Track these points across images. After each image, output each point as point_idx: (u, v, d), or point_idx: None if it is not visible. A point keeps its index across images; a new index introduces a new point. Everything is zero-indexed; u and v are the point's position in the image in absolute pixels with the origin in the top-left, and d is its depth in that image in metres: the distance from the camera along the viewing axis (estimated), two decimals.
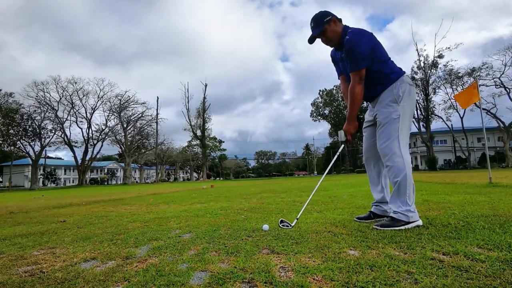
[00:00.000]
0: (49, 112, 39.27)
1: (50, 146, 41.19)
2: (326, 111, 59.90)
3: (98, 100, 42.15)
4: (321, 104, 60.27)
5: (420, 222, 2.07)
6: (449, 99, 36.96)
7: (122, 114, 44.04)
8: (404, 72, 2.24)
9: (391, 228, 1.98)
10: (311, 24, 2.22)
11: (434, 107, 38.18)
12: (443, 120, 38.30)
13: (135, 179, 69.07)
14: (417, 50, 36.89)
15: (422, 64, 36.81)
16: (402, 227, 1.98)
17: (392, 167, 2.09)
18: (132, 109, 45.28)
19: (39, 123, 38.73)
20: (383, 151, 2.15)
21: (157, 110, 46.23)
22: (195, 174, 71.89)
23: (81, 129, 42.02)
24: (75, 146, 41.72)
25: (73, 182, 64.99)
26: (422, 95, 37.43)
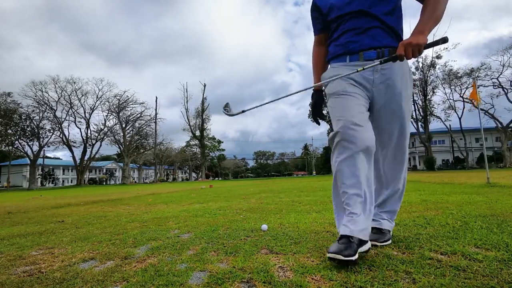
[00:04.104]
0: (48, 112, 39.17)
1: (49, 146, 41.08)
2: (325, 111, 59.94)
3: (97, 100, 42.12)
4: None
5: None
6: (448, 99, 37.11)
7: (120, 114, 43.98)
8: None
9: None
10: None
11: (433, 107, 38.30)
12: (442, 121, 38.41)
13: (134, 179, 68.94)
14: None
15: (420, 65, 36.90)
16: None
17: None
18: (131, 109, 45.26)
19: (38, 123, 38.60)
20: (405, 146, 1.65)
21: (156, 110, 46.18)
22: (193, 174, 71.82)
23: (80, 129, 41.97)
24: (74, 146, 41.62)
25: (71, 182, 64.86)
26: (421, 96, 37.54)
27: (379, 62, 1.40)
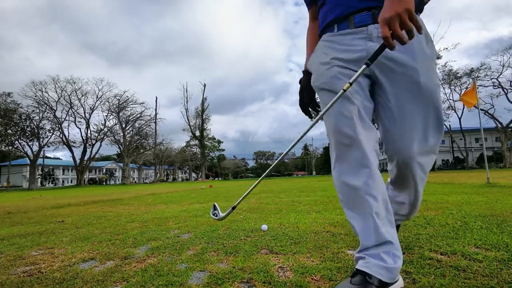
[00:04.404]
0: (48, 112, 39.23)
1: (49, 146, 41.14)
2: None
3: (97, 100, 42.18)
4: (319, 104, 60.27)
5: None
6: (448, 99, 37.12)
7: (120, 114, 44.03)
8: None
9: None
10: None
11: None
12: None
13: (134, 179, 68.96)
14: None
15: None
16: None
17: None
18: (130, 109, 45.34)
19: (38, 123, 38.65)
20: (435, 150, 1.14)
21: (155, 110, 46.28)
22: (193, 174, 71.87)
23: (80, 129, 42.05)
24: (74, 146, 41.69)
25: (71, 182, 64.89)
26: None
27: (365, 66, 0.93)
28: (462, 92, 34.34)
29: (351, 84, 0.96)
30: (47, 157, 58.42)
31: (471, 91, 6.72)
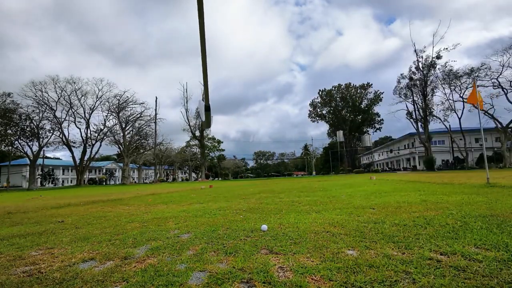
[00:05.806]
0: (48, 112, 39.20)
1: (48, 146, 41.13)
2: (324, 111, 59.92)
3: (97, 100, 42.19)
4: (319, 104, 60.31)
5: None
6: (447, 99, 37.16)
7: (120, 114, 44.04)
8: None
9: None
10: None
11: (432, 107, 38.39)
12: (441, 121, 38.46)
13: (134, 179, 68.98)
14: (415, 51, 37.09)
15: (420, 65, 37.02)
16: None
17: None
18: (130, 109, 45.33)
19: (37, 123, 38.65)
20: None
21: (155, 110, 46.25)
22: (193, 174, 71.88)
23: (80, 129, 42.00)
24: (74, 146, 41.67)
25: (71, 182, 64.91)
26: (420, 96, 37.67)
27: None
28: (462, 93, 34.44)
29: None
30: (47, 157, 58.45)
31: (473, 92, 6.72)
